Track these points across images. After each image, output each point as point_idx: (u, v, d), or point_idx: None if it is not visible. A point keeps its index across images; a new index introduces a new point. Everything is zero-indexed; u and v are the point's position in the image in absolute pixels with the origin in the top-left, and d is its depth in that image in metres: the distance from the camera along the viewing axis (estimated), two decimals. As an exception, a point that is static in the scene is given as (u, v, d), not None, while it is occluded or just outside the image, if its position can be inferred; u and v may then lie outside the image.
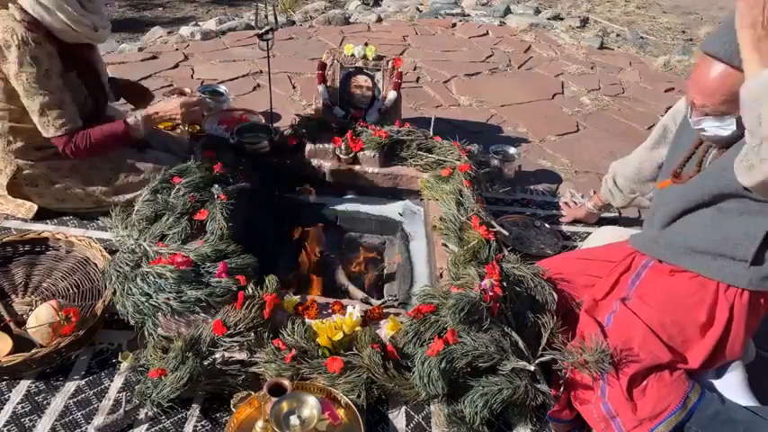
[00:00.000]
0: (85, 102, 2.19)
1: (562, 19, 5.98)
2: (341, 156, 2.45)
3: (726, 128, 1.45)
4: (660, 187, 1.75)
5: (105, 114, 2.36)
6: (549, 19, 5.88)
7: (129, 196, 2.29)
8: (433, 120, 2.61)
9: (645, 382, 1.50)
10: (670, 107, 2.09)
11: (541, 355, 1.57)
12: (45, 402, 1.61)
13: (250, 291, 1.70)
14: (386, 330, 1.70)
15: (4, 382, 1.66)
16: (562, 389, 1.58)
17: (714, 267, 1.55)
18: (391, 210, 2.47)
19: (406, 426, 1.62)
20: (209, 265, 1.75)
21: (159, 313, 1.68)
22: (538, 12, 6.14)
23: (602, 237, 2.19)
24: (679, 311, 1.57)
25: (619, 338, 1.55)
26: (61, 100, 2.06)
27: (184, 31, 4.75)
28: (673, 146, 1.81)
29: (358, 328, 1.67)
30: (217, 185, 2.12)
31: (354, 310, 1.70)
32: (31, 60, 1.96)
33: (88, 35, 2.10)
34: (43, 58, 1.99)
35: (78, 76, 2.15)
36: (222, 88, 3.19)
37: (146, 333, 1.69)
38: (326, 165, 2.48)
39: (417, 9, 5.93)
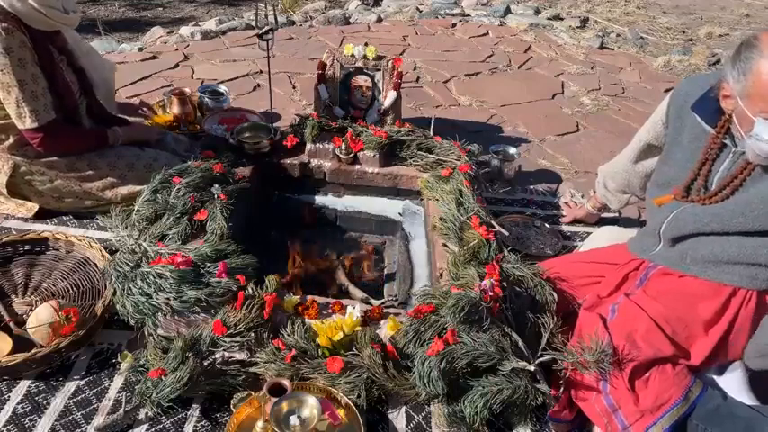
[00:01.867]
0: (68, 94, 2.16)
1: (562, 19, 5.98)
2: (341, 156, 2.45)
3: None
4: (658, 204, 1.74)
5: (96, 107, 2.36)
6: (549, 19, 5.89)
7: (124, 192, 2.29)
8: (433, 120, 2.61)
9: (647, 374, 1.50)
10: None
11: (541, 355, 1.57)
12: (45, 402, 1.61)
13: (250, 291, 1.70)
14: (386, 330, 1.70)
15: (4, 382, 1.66)
16: (562, 389, 1.58)
17: (746, 276, 1.55)
18: (391, 210, 2.47)
19: (406, 426, 1.62)
20: (209, 265, 1.75)
21: (159, 313, 1.68)
22: (538, 12, 6.14)
23: (602, 237, 2.18)
24: (685, 308, 1.57)
25: (622, 330, 1.55)
26: (35, 91, 2.03)
27: (184, 31, 4.75)
28: (663, 161, 1.79)
29: (358, 328, 1.67)
30: (217, 185, 2.12)
31: (354, 310, 1.70)
32: (3, 51, 1.93)
33: (59, 19, 2.06)
34: (16, 48, 1.95)
35: (55, 68, 2.11)
36: (222, 88, 3.19)
37: (146, 333, 1.69)
38: (326, 165, 2.48)
39: (417, 9, 5.93)
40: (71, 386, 1.66)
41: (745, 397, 1.60)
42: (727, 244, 1.57)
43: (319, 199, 2.52)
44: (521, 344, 1.58)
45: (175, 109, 2.90)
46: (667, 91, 4.26)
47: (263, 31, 2.44)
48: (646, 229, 1.82)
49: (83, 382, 1.68)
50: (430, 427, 1.62)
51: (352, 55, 2.76)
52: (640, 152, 2.02)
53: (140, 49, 4.35)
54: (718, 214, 1.57)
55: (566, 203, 2.71)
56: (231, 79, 3.85)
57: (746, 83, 1.41)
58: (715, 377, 1.65)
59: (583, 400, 1.56)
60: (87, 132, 2.30)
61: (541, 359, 1.56)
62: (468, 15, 5.91)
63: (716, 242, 1.59)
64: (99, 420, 1.56)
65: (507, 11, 5.95)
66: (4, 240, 2.07)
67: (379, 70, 2.76)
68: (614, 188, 2.24)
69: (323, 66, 2.77)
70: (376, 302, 1.88)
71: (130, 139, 2.41)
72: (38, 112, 2.05)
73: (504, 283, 1.70)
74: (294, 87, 3.86)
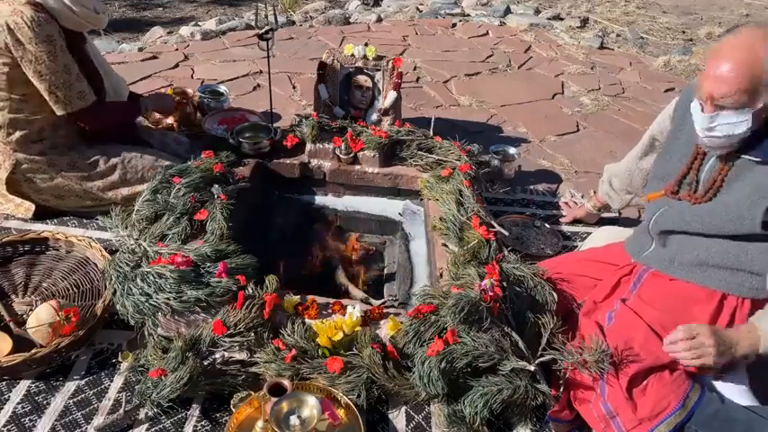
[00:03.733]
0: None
1: (562, 19, 5.98)
2: (341, 156, 2.45)
3: (740, 125, 1.41)
4: (650, 199, 1.74)
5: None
6: (549, 19, 5.89)
7: (125, 192, 2.30)
8: (433, 120, 2.61)
9: (645, 382, 1.50)
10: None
11: (541, 355, 1.57)
12: (45, 402, 1.61)
13: (250, 291, 1.70)
14: (386, 330, 1.70)
15: (4, 382, 1.66)
16: (562, 389, 1.57)
17: (733, 283, 1.54)
18: (391, 210, 2.47)
19: (406, 426, 1.62)
20: (209, 265, 1.75)
21: (159, 313, 1.68)
22: (538, 12, 6.15)
23: (602, 237, 2.18)
24: (681, 313, 1.57)
25: (620, 337, 1.54)
26: (79, 74, 2.12)
27: (184, 31, 4.75)
28: (662, 155, 1.80)
29: (358, 328, 1.67)
30: (217, 185, 2.12)
31: (354, 310, 1.70)
32: (46, 38, 1.99)
33: (89, 19, 2.13)
34: (56, 35, 2.02)
35: (82, 60, 2.18)
36: (222, 88, 3.19)
37: (146, 333, 1.69)
38: (326, 165, 2.48)
39: (417, 9, 5.93)
40: (71, 386, 1.66)
41: (745, 398, 1.59)
42: (712, 249, 1.56)
43: (319, 199, 2.52)
44: (521, 344, 1.58)
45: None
46: (667, 91, 4.27)
47: (263, 31, 2.44)
48: (640, 226, 1.83)
49: (83, 382, 1.68)
50: (430, 427, 1.62)
51: (352, 55, 2.76)
52: (648, 147, 2.03)
53: (140, 49, 4.35)
54: (700, 215, 1.57)
55: (565, 203, 2.71)
56: (231, 79, 3.86)
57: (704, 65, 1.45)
58: (713, 380, 1.64)
59: (581, 404, 1.56)
60: (122, 106, 2.42)
61: (541, 359, 1.56)
62: (468, 15, 5.91)
63: (700, 246, 1.59)
64: (99, 420, 1.56)
65: (507, 11, 5.95)
66: (4, 240, 2.07)
67: (379, 70, 2.76)
68: (618, 187, 2.24)
69: (323, 66, 2.77)
70: (376, 302, 1.88)
71: (155, 107, 2.60)
72: (85, 93, 2.14)
73: (504, 283, 1.70)
74: (294, 87, 3.86)
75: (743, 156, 1.49)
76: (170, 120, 2.88)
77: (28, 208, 2.31)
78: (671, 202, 1.66)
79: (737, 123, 1.41)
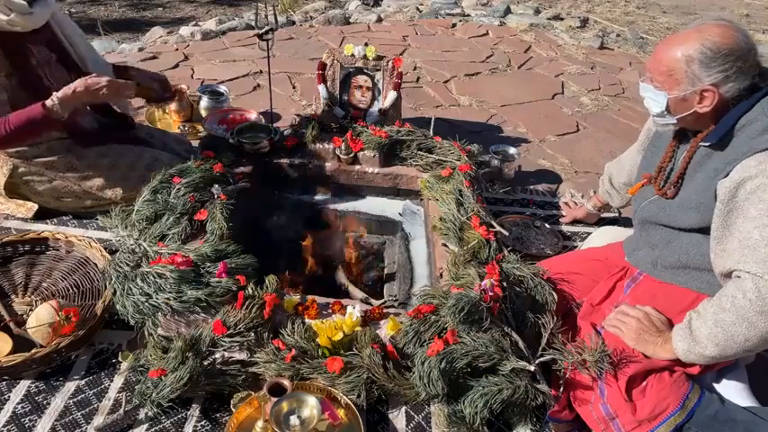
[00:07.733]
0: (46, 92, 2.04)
1: (562, 19, 5.98)
2: (341, 156, 2.45)
3: (654, 103, 1.54)
4: (631, 193, 1.78)
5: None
6: (549, 19, 5.88)
7: (125, 192, 2.29)
8: (433, 120, 2.61)
9: (644, 383, 1.50)
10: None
11: (541, 355, 1.57)
12: (45, 402, 1.61)
13: (250, 291, 1.70)
14: (386, 330, 1.70)
15: (4, 382, 1.66)
16: (562, 389, 1.57)
17: (717, 286, 1.52)
18: (391, 210, 2.47)
19: (406, 426, 1.62)
20: (209, 265, 1.75)
21: (159, 313, 1.68)
22: (538, 12, 6.14)
23: (602, 237, 2.18)
24: (677, 316, 1.57)
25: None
26: None
27: (184, 31, 4.75)
28: (648, 148, 1.82)
29: (358, 328, 1.67)
30: (217, 185, 2.12)
31: (354, 310, 1.70)
32: None
33: (15, 24, 1.98)
34: None
35: (29, 69, 2.06)
36: (222, 88, 3.19)
37: (146, 333, 1.69)
38: (326, 165, 2.48)
39: (417, 9, 5.93)
40: (71, 386, 1.66)
41: (744, 399, 1.59)
42: (692, 250, 1.57)
43: (319, 199, 2.52)
44: (521, 344, 1.58)
45: (173, 105, 2.89)
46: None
47: (263, 31, 2.44)
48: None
49: (83, 382, 1.68)
50: (430, 427, 1.62)
51: (352, 55, 2.76)
52: (646, 139, 2.03)
53: (140, 49, 4.35)
54: (672, 206, 1.60)
55: (565, 203, 2.71)
56: (231, 79, 3.86)
57: None
58: (712, 381, 1.64)
59: (581, 405, 1.56)
60: (29, 116, 2.01)
61: (541, 359, 1.56)
62: (468, 15, 5.90)
63: (680, 246, 1.60)
64: (99, 420, 1.56)
65: (507, 11, 5.95)
66: (4, 240, 2.07)
67: (379, 70, 2.76)
68: (619, 183, 2.23)
69: (323, 66, 2.77)
70: (376, 302, 1.88)
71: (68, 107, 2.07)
72: None
73: (504, 283, 1.70)
74: (294, 87, 3.86)
75: (701, 144, 1.53)
76: (172, 106, 2.87)
77: (29, 208, 2.31)
78: (651, 197, 1.68)
79: (653, 100, 1.53)
